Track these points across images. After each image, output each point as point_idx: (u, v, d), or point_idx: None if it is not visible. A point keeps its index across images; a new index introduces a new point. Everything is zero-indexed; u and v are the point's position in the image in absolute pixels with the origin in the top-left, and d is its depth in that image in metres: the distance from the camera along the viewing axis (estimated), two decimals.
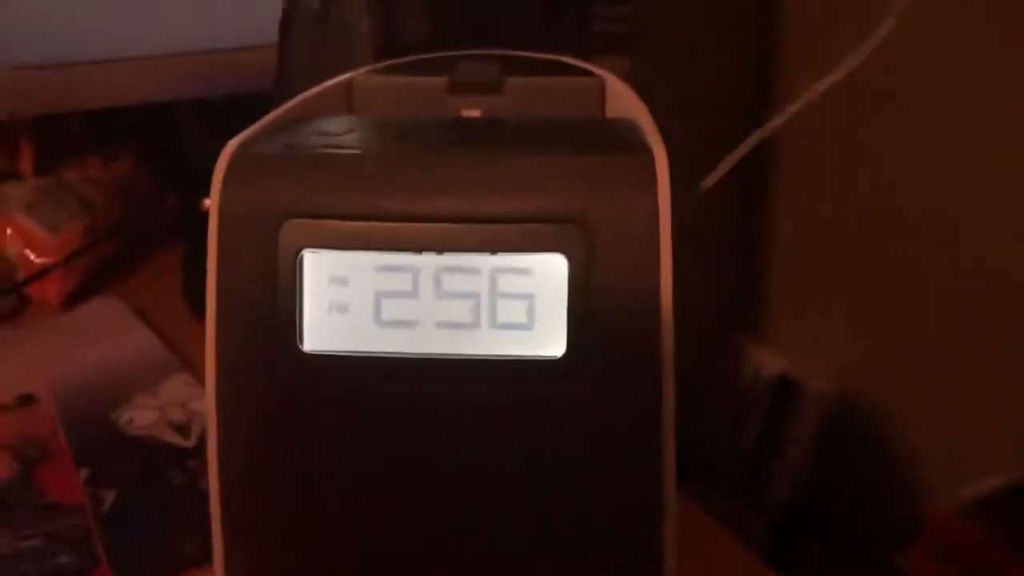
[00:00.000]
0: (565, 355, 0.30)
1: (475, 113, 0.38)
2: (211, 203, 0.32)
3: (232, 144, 0.33)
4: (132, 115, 0.71)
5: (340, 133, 0.35)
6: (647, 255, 0.30)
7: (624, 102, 0.37)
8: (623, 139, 0.33)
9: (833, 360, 0.99)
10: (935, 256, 0.81)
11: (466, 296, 0.31)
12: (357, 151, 0.33)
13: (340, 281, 0.31)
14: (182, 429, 0.47)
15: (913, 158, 0.81)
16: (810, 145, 0.90)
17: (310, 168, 0.32)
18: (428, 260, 0.31)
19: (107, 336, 0.57)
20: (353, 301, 0.31)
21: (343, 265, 0.31)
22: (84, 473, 0.44)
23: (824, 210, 0.92)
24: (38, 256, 0.61)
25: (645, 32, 0.76)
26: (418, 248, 0.31)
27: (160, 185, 0.73)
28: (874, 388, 0.94)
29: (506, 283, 0.31)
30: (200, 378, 0.51)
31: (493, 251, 0.30)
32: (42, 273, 0.60)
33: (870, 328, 0.92)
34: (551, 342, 0.31)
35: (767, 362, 1.05)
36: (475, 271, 0.31)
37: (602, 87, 0.39)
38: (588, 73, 0.40)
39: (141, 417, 0.48)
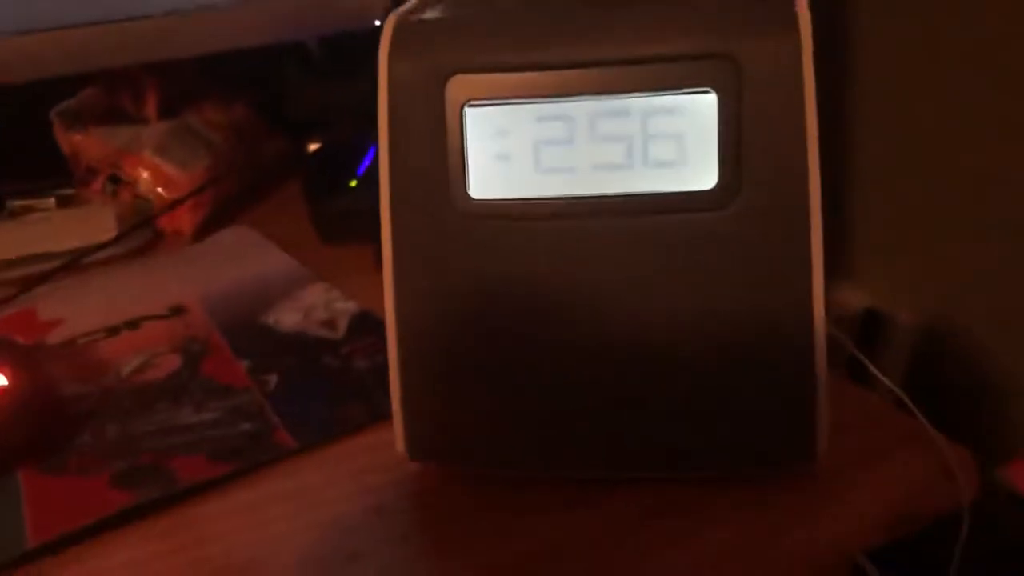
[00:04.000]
0: (716, 186, 0.33)
1: None
2: (380, 70, 0.35)
3: (393, 17, 0.36)
4: (240, 62, 0.75)
5: None
6: (793, 89, 0.32)
7: None
8: None
9: (921, 292, 0.99)
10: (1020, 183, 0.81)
11: (620, 138, 0.33)
12: (511, 9, 0.35)
13: (502, 132, 0.34)
14: (329, 325, 0.50)
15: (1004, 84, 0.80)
16: (895, 80, 0.90)
17: (470, 27, 0.34)
18: (583, 107, 0.33)
19: (244, 258, 0.61)
20: (514, 151, 0.34)
21: (505, 117, 0.34)
22: (246, 363, 0.47)
23: (914, 141, 0.92)
24: (169, 192, 0.65)
25: None
26: (575, 93, 0.33)
27: (269, 127, 0.76)
28: (962, 318, 0.94)
29: (658, 123, 0.33)
30: (338, 288, 0.55)
31: (646, 92, 0.33)
32: (174, 205, 0.64)
33: (958, 258, 0.92)
34: (702, 176, 0.33)
35: (853, 296, 1.05)
36: (628, 113, 0.33)
37: None
38: None
39: (288, 318, 0.52)
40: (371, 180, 0.65)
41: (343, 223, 0.62)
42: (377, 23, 0.52)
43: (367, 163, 0.67)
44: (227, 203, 0.69)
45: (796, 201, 0.32)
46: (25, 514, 0.37)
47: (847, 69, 0.94)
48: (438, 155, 0.34)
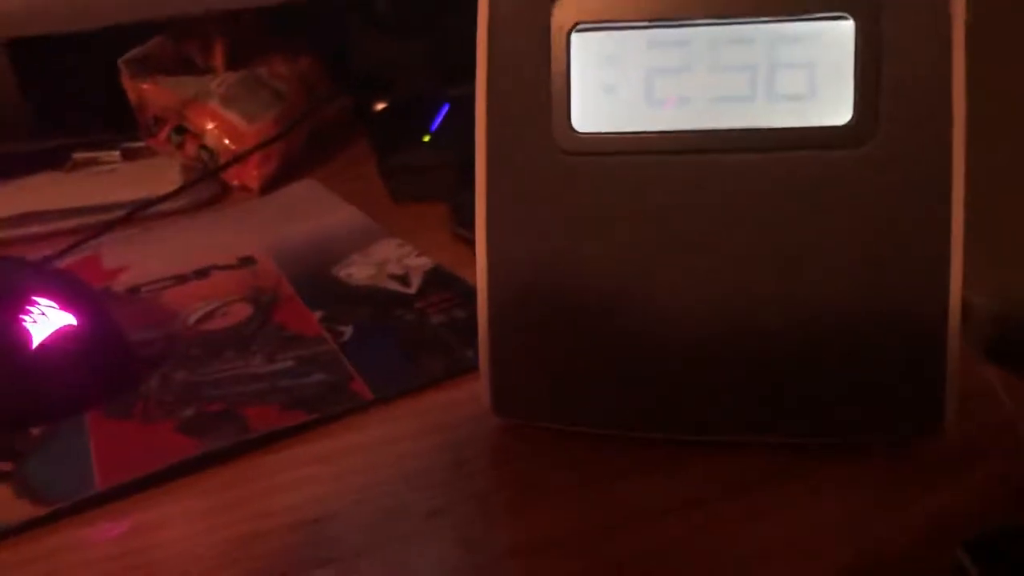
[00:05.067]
0: (851, 121, 0.30)
1: None
2: None
3: None
4: (304, 15, 0.73)
5: None
6: (940, 18, 0.29)
7: None
8: None
9: (998, 279, 0.94)
10: None
11: (742, 69, 0.30)
12: None
13: (612, 60, 0.31)
14: (402, 279, 0.48)
15: None
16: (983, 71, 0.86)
17: None
18: (702, 32, 0.30)
19: (313, 212, 0.59)
20: (624, 80, 0.31)
21: (615, 43, 0.31)
22: (319, 314, 0.45)
23: (994, 127, 0.88)
24: (236, 145, 0.63)
25: None
26: (693, 16, 0.30)
27: (336, 84, 0.74)
28: None
29: (785, 53, 0.30)
30: (409, 243, 0.52)
31: (776, 18, 0.30)
32: (240, 157, 0.62)
33: None
34: (835, 110, 0.30)
35: None
36: (753, 41, 0.30)
37: None
38: None
39: (360, 271, 0.49)
40: (444, 137, 0.63)
41: (415, 180, 0.59)
42: None
43: (440, 119, 0.64)
44: (294, 158, 0.67)
45: (938, 146, 0.29)
46: (93, 458, 0.35)
47: None
48: (540, 85, 0.31)
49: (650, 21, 0.30)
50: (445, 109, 0.65)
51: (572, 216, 0.32)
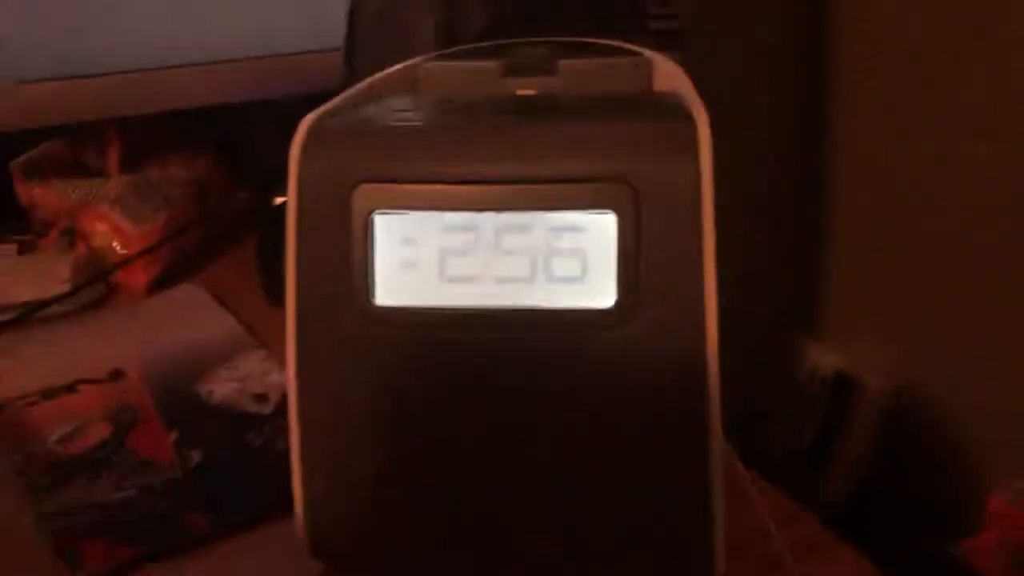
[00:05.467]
0: (615, 305, 0.33)
1: (530, 92, 0.41)
2: (291, 171, 0.35)
3: (310, 117, 0.36)
4: (210, 117, 0.76)
5: (406, 109, 0.38)
6: (691, 212, 0.33)
7: (670, 79, 0.40)
8: (668, 108, 0.35)
9: (890, 355, 0.99)
10: (992, 250, 0.82)
11: (523, 252, 0.34)
12: (422, 123, 0.36)
13: (409, 241, 0.34)
14: (260, 399, 0.50)
15: (974, 158, 0.81)
16: (871, 143, 0.91)
17: (380, 137, 0.35)
18: (488, 219, 0.34)
19: (189, 319, 0.61)
20: (421, 259, 0.34)
21: (411, 226, 0.34)
22: (173, 436, 0.47)
23: (883, 207, 0.93)
24: (124, 247, 0.66)
25: (696, 28, 0.78)
26: (479, 208, 0.33)
27: (235, 182, 0.77)
28: (932, 382, 0.94)
29: (560, 240, 0.33)
30: (277, 356, 0.55)
31: (548, 209, 0.33)
32: (128, 261, 0.65)
33: (927, 322, 0.92)
34: (602, 293, 0.33)
35: (824, 358, 1.05)
36: (531, 229, 0.33)
37: (650, 65, 0.41)
38: (636, 54, 0.42)
39: (221, 389, 0.52)
40: None
41: None
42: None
43: None
44: (187, 259, 0.70)
45: (693, 325, 0.32)
46: None
47: (818, 127, 0.95)
48: (345, 259, 0.34)
49: (441, 210, 0.34)
50: None
51: (374, 381, 0.35)
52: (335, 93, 0.39)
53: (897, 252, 0.92)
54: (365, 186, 0.34)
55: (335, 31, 0.60)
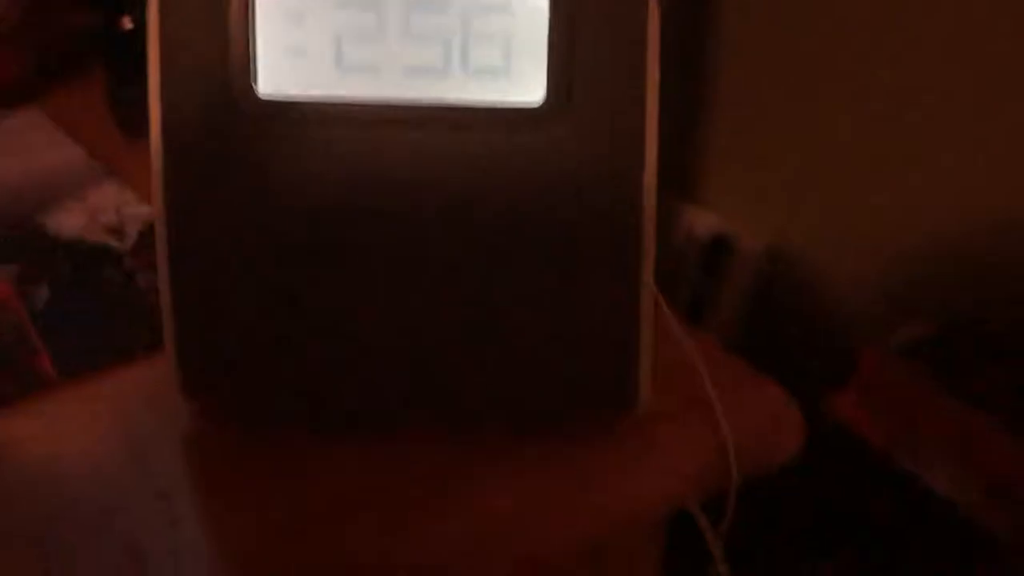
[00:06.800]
0: (543, 102, 0.28)
1: None
2: None
3: None
4: None
5: None
6: (637, 8, 0.28)
7: None
8: None
9: (765, 217, 0.99)
10: (869, 111, 0.81)
11: (436, 36, 0.28)
12: None
13: (296, 18, 0.28)
14: (116, 231, 0.44)
15: (856, 33, 0.80)
16: (756, 11, 0.88)
17: None
18: None
19: (30, 147, 0.53)
20: (311, 42, 0.29)
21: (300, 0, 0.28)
22: (14, 270, 0.41)
23: (763, 68, 0.91)
24: None
25: None
26: None
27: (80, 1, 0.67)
28: (805, 243, 0.95)
29: (481, 22, 0.28)
30: (132, 187, 0.48)
31: None
32: None
33: (801, 183, 0.92)
34: (529, 87, 0.28)
35: (700, 221, 1.05)
36: (447, 6, 0.28)
37: None
38: None
39: (70, 220, 0.45)
40: None
41: (147, 114, 0.54)
42: None
43: None
44: (18, 83, 0.60)
45: (628, 137, 0.28)
46: None
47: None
48: (219, 41, 0.28)
49: None
50: None
51: (255, 186, 0.29)
52: None
53: (775, 120, 0.91)
54: None
55: None
